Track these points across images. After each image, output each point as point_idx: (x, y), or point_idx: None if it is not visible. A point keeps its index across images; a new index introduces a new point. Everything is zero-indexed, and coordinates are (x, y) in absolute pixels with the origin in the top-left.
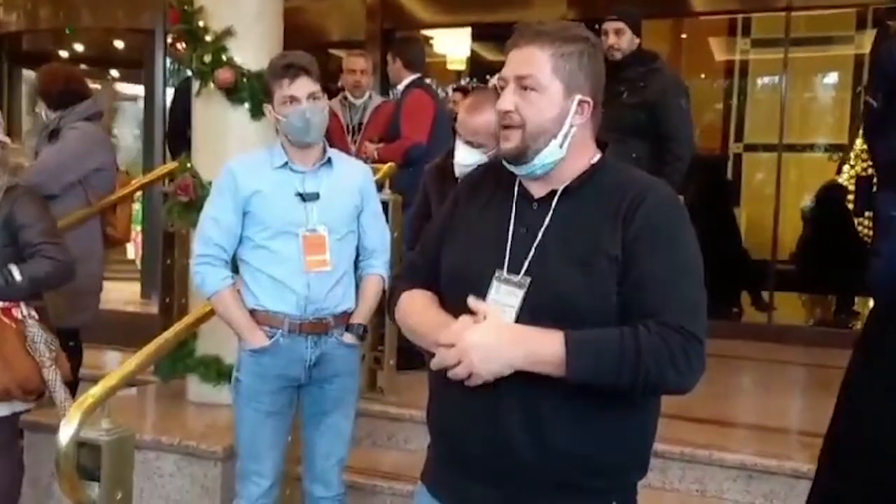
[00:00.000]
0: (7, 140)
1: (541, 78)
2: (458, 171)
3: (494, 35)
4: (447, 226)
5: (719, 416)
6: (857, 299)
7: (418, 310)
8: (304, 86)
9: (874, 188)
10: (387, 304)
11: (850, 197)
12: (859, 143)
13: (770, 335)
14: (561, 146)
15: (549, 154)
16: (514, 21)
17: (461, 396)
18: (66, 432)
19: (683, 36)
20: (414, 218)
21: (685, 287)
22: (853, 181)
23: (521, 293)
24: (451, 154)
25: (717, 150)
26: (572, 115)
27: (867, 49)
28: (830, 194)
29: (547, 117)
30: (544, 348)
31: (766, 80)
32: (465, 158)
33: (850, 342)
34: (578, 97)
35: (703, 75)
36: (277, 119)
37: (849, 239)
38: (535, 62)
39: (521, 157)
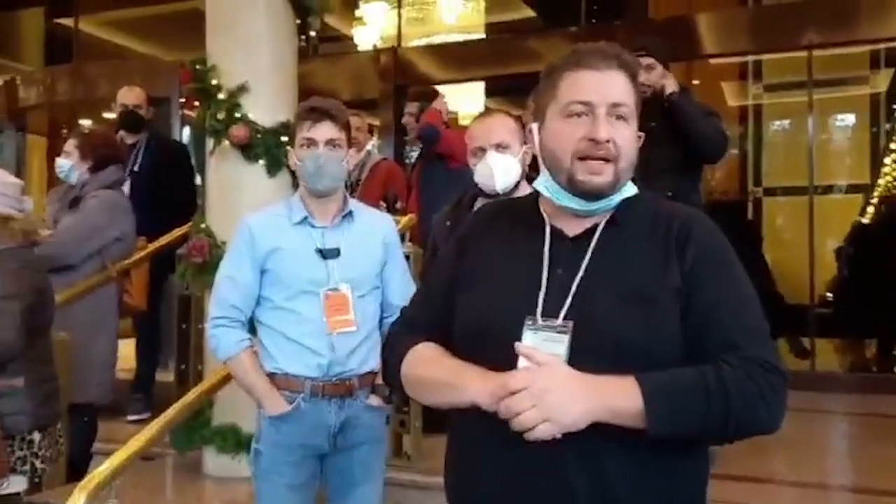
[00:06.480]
0: (28, 208)
1: (632, 107)
2: (500, 185)
3: (508, 88)
4: (455, 276)
5: (768, 473)
6: None
7: (433, 362)
8: (325, 131)
9: None
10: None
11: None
12: (882, 182)
13: (812, 382)
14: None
15: (628, 189)
16: (527, 73)
17: (505, 460)
18: None
19: (695, 82)
20: (423, 273)
21: (755, 316)
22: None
23: (565, 339)
24: (458, 203)
25: (736, 194)
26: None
27: (882, 88)
28: (861, 235)
29: (634, 151)
30: (620, 398)
31: (781, 123)
32: (499, 166)
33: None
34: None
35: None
36: (296, 164)
37: (886, 280)
38: (625, 89)
39: (608, 192)
